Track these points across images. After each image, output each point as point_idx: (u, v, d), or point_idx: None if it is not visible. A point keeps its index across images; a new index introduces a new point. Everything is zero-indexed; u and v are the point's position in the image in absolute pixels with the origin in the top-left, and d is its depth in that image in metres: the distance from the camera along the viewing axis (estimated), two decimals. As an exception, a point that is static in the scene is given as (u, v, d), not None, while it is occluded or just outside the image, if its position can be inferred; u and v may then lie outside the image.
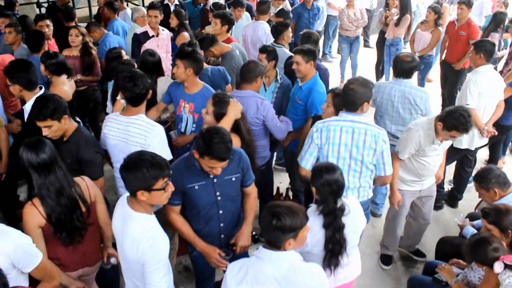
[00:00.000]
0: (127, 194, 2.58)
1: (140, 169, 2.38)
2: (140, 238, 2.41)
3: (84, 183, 2.96)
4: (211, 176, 2.95)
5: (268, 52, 4.73)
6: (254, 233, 4.23)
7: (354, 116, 3.34)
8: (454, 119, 3.54)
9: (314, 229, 2.74)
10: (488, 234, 3.04)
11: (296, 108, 4.53)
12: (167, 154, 3.43)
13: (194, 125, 4.16)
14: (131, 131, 3.39)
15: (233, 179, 3.03)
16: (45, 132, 3.15)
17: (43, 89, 3.99)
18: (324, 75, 4.93)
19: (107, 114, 5.72)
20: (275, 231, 2.26)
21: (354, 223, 2.91)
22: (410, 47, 7.72)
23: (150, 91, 3.58)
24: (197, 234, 3.08)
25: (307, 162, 3.44)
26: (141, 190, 2.40)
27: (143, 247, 2.39)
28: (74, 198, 2.84)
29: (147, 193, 2.41)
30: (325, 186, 2.77)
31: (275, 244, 2.29)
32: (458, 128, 3.55)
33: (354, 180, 3.44)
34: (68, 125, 3.25)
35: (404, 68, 4.56)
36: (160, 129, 3.46)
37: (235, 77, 5.13)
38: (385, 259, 4.50)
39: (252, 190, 3.24)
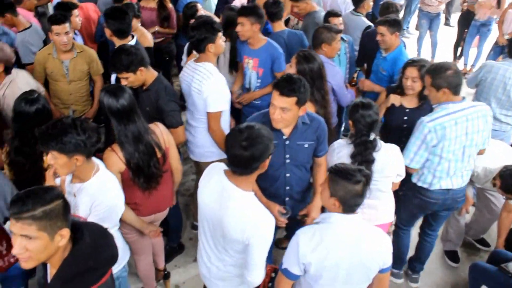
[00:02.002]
0: (223, 167, 2.49)
1: (265, 138, 2.28)
2: (247, 219, 2.31)
3: (159, 129, 3.03)
4: (284, 137, 2.93)
5: None
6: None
7: (461, 104, 3.18)
8: None
9: (342, 157, 3.06)
10: None
11: (380, 79, 4.47)
12: (221, 106, 3.45)
13: (259, 81, 4.23)
14: (195, 77, 3.45)
15: (306, 145, 2.99)
16: (123, 82, 3.22)
17: (134, 38, 4.07)
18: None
19: (181, 68, 5.84)
20: (355, 197, 2.29)
21: (383, 163, 3.06)
22: (499, 28, 7.22)
23: (219, 39, 3.49)
24: (263, 192, 3.07)
25: (417, 164, 3.26)
26: (261, 163, 2.31)
27: (251, 228, 2.30)
28: (151, 145, 2.92)
29: (262, 164, 2.33)
30: (360, 119, 3.00)
31: (355, 207, 2.33)
32: None
33: (469, 164, 3.35)
34: (145, 75, 3.31)
35: None
36: (218, 80, 3.43)
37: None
38: (452, 256, 4.31)
39: (323, 162, 3.17)
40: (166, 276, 3.80)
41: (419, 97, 3.73)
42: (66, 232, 1.76)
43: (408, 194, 3.54)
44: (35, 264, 1.78)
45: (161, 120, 3.31)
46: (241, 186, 2.35)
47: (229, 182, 2.37)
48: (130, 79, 3.22)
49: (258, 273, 2.44)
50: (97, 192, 2.46)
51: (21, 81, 3.76)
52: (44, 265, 1.96)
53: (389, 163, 3.10)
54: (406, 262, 3.99)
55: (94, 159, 2.57)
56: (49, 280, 1.96)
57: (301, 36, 4.81)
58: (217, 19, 4.26)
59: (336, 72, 4.07)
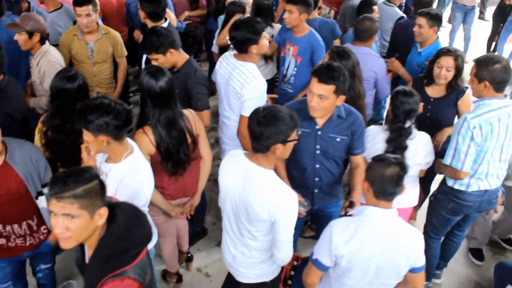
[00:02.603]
0: (242, 151, 2.54)
1: (281, 121, 2.27)
2: (271, 197, 2.33)
3: (192, 116, 3.04)
4: (317, 127, 2.90)
5: None
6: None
7: (504, 101, 3.06)
8: None
9: (378, 142, 3.18)
10: None
11: (413, 74, 4.34)
12: (255, 101, 3.34)
13: (295, 69, 4.21)
14: (234, 75, 3.37)
15: (338, 139, 2.93)
16: (153, 63, 3.23)
17: (167, 21, 4.08)
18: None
19: (209, 52, 5.85)
20: (386, 182, 2.29)
21: (415, 151, 3.17)
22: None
23: (263, 39, 3.38)
24: (293, 181, 3.04)
25: (469, 166, 3.04)
26: (279, 144, 2.31)
27: (275, 204, 2.33)
28: (183, 131, 2.92)
29: (282, 146, 2.32)
30: (399, 105, 3.10)
31: (391, 196, 2.33)
32: None
33: (505, 163, 3.24)
34: (175, 57, 3.31)
35: None
36: (261, 85, 3.33)
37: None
38: (477, 254, 4.23)
39: (361, 162, 3.07)
40: (189, 259, 3.86)
41: (447, 87, 3.65)
42: (104, 211, 1.81)
43: (441, 199, 3.39)
44: (75, 244, 1.82)
45: (188, 102, 3.33)
46: (262, 165, 2.39)
47: (250, 162, 2.42)
48: (160, 61, 3.23)
49: (287, 250, 2.47)
50: (126, 174, 2.48)
51: (54, 52, 3.83)
52: (81, 246, 2.00)
53: (420, 151, 3.17)
54: (434, 275, 3.86)
55: (129, 141, 2.59)
56: (86, 259, 2.01)
57: (333, 25, 4.77)
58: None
59: (381, 64, 4.04)
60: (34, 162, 2.66)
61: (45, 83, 3.69)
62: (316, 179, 3.07)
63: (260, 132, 2.28)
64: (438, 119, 3.64)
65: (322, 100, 2.74)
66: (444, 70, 3.54)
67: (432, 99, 3.70)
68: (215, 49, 4.98)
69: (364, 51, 4.00)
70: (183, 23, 5.30)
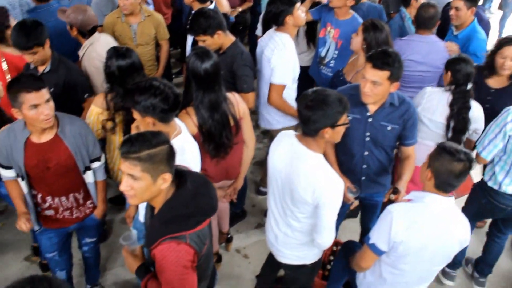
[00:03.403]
0: (293, 132, 2.53)
1: (329, 105, 2.26)
2: (317, 181, 2.33)
3: (235, 99, 3.02)
4: (368, 114, 2.85)
5: None
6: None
7: None
8: None
9: (436, 103, 3.27)
10: None
11: None
12: (285, 79, 3.41)
13: (336, 52, 4.16)
14: (268, 45, 3.46)
15: (389, 128, 2.86)
16: (200, 44, 3.24)
17: (213, 3, 4.08)
18: (485, 28, 4.46)
19: (251, 36, 5.83)
20: (450, 175, 2.25)
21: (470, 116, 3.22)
22: None
23: (297, 10, 3.44)
24: (340, 166, 3.04)
25: (488, 153, 3.06)
26: (327, 128, 2.29)
27: (320, 188, 2.32)
28: (226, 114, 2.92)
29: (331, 130, 2.30)
30: (460, 69, 3.17)
31: (451, 187, 2.29)
32: None
33: None
34: (222, 39, 3.31)
35: None
36: (290, 53, 3.40)
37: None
38: None
39: (411, 153, 3.01)
40: (229, 239, 3.90)
41: (509, 77, 3.52)
42: (168, 177, 1.87)
43: (478, 191, 3.34)
44: (138, 202, 1.94)
45: (233, 84, 3.33)
46: (311, 148, 2.38)
47: (300, 144, 2.41)
48: (207, 42, 3.23)
49: (327, 235, 2.46)
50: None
51: (98, 47, 3.71)
52: (151, 206, 2.06)
53: (473, 117, 3.22)
54: (461, 264, 3.75)
55: (177, 122, 2.60)
56: None
57: (381, 10, 4.69)
58: None
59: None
60: (83, 137, 2.72)
61: (87, 75, 3.72)
62: (364, 166, 3.02)
63: (308, 116, 2.27)
64: (499, 110, 3.52)
65: (375, 86, 2.69)
66: (509, 60, 3.39)
67: (493, 90, 3.57)
68: (259, 32, 4.95)
69: (433, 39, 3.89)
70: (232, 17, 5.30)
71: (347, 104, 2.34)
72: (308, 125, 2.30)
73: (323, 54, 4.24)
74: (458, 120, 3.19)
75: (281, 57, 3.36)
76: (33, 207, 2.82)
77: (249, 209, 4.36)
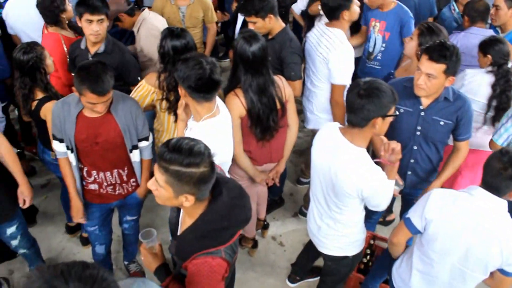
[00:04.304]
0: (337, 124, 2.48)
1: (383, 94, 2.20)
2: (358, 176, 2.29)
3: (281, 82, 3.01)
4: (421, 107, 2.78)
5: None
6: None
7: None
8: None
9: (473, 82, 3.29)
10: None
11: None
12: (346, 79, 3.33)
13: (384, 45, 4.09)
14: (322, 42, 3.35)
15: (442, 123, 2.78)
16: (250, 26, 3.22)
17: None
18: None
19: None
20: (506, 180, 2.14)
21: None
22: None
23: (354, 5, 3.34)
24: None
25: (499, 137, 3.01)
26: (379, 117, 2.23)
27: (362, 183, 2.29)
28: (273, 98, 2.91)
29: (381, 121, 2.24)
30: (499, 51, 3.23)
31: (496, 190, 2.18)
32: None
33: None
34: (273, 24, 3.28)
35: None
36: (348, 50, 3.29)
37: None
38: None
39: (464, 147, 2.92)
40: (265, 226, 3.91)
41: None
42: (191, 199, 1.77)
43: None
44: (161, 203, 1.87)
45: (281, 71, 3.30)
46: (354, 142, 2.32)
47: (343, 137, 2.36)
48: (257, 24, 3.21)
49: (384, 205, 2.45)
50: (198, 135, 2.45)
51: (153, 20, 3.86)
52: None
53: None
54: None
55: (217, 105, 2.58)
56: (180, 222, 2.05)
57: (433, 3, 4.57)
58: None
59: None
60: (134, 116, 2.74)
61: (145, 50, 3.79)
62: (412, 160, 2.95)
63: (362, 105, 2.20)
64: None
65: (430, 79, 2.61)
66: None
67: None
68: (297, 9, 4.88)
69: (489, 33, 3.75)
70: None
71: (397, 95, 2.29)
72: (359, 114, 2.23)
73: (370, 49, 4.16)
74: (501, 99, 3.22)
75: (339, 57, 3.26)
76: (79, 180, 2.88)
77: (287, 197, 4.35)
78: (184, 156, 1.70)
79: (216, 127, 2.54)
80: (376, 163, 2.35)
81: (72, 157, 2.77)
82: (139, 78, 3.43)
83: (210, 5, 4.48)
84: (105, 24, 3.23)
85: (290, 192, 4.44)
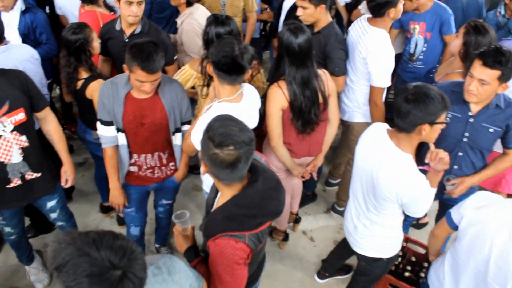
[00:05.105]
0: (385, 126, 2.44)
1: (431, 100, 2.14)
2: (401, 183, 2.25)
3: (325, 76, 2.99)
4: (470, 114, 2.69)
5: None
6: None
7: None
8: None
9: None
10: None
11: None
12: (386, 82, 3.28)
13: (425, 45, 4.03)
14: (363, 40, 3.28)
15: (491, 130, 2.69)
16: (299, 11, 3.22)
17: None
18: None
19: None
20: None
21: None
22: None
23: (400, 3, 3.22)
24: None
25: None
26: (426, 124, 2.18)
27: (404, 191, 2.25)
28: (316, 91, 2.89)
29: (429, 127, 2.19)
30: None
31: None
32: None
33: None
34: (322, 15, 3.24)
35: None
36: (388, 52, 3.20)
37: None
38: None
39: (511, 154, 2.83)
40: (297, 220, 3.90)
41: None
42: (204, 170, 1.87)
43: None
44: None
45: (324, 66, 3.27)
46: (401, 146, 2.28)
47: (390, 140, 2.32)
48: (307, 11, 3.19)
49: (423, 211, 2.39)
50: (209, 115, 2.42)
51: (199, 16, 3.81)
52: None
53: None
54: None
55: (243, 94, 2.57)
56: (215, 203, 2.07)
57: (482, 4, 4.44)
58: None
59: None
60: (179, 99, 2.77)
61: (184, 44, 3.79)
62: (455, 167, 2.87)
63: (408, 109, 2.16)
64: None
65: (482, 85, 2.53)
66: None
67: None
68: (341, 0, 4.84)
69: None
70: None
71: (448, 102, 2.22)
72: (406, 119, 2.18)
73: (412, 51, 4.10)
74: None
75: (378, 60, 3.19)
76: (127, 160, 2.91)
77: (319, 193, 4.33)
78: (211, 138, 1.74)
79: (229, 112, 2.48)
80: (420, 170, 2.31)
81: (122, 137, 2.80)
82: (174, 58, 3.48)
83: None
84: (143, 6, 3.28)
85: (323, 188, 4.42)
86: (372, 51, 3.18)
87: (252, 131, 1.82)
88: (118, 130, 2.77)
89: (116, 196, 2.98)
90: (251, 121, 2.60)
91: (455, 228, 2.33)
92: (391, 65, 3.26)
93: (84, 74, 3.10)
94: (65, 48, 3.07)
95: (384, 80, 3.27)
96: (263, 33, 5.77)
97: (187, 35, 3.76)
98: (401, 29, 4.25)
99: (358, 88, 3.45)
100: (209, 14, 3.82)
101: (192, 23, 3.72)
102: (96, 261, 1.22)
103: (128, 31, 3.39)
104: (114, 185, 2.94)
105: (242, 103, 2.54)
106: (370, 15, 3.29)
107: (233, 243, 1.83)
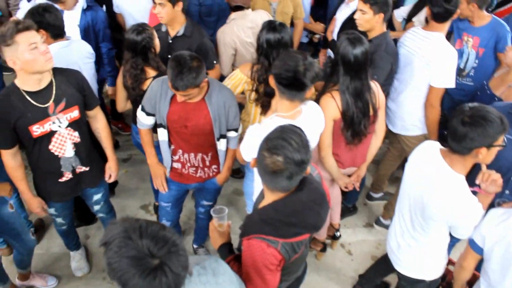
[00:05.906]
0: (438, 146, 2.35)
1: (490, 123, 2.06)
2: (452, 206, 2.18)
3: (376, 89, 2.96)
4: None
5: None
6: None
7: None
8: None
9: None
10: None
11: None
12: (448, 82, 3.22)
13: (477, 61, 3.90)
14: (424, 45, 3.25)
15: None
16: (356, 14, 3.24)
17: None
18: None
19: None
20: None
21: None
22: None
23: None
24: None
25: None
26: (483, 147, 2.10)
27: (455, 214, 2.19)
28: (368, 103, 2.86)
29: (486, 151, 2.11)
30: None
31: None
32: None
33: None
34: (378, 24, 3.23)
35: None
36: (452, 54, 3.19)
37: None
38: None
39: None
40: (335, 237, 3.71)
41: None
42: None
43: None
44: None
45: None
46: (454, 168, 2.20)
47: (443, 161, 2.24)
48: (366, 16, 3.19)
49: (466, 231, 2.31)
50: (262, 128, 2.40)
51: (241, 23, 3.72)
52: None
53: None
54: None
55: (303, 109, 2.54)
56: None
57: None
58: None
59: None
60: (227, 107, 2.77)
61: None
62: (507, 192, 2.76)
63: (465, 132, 2.08)
64: None
65: None
66: None
67: None
68: (398, 15, 4.77)
69: None
70: None
71: (507, 124, 2.13)
72: (462, 142, 2.10)
73: (462, 65, 3.98)
74: None
75: (444, 60, 3.16)
76: (170, 154, 2.97)
77: (360, 206, 4.26)
78: (269, 140, 1.79)
79: (263, 128, 2.45)
80: (472, 191, 2.23)
81: (165, 133, 2.85)
82: (214, 62, 3.50)
83: (299, 1, 4.46)
84: (167, 8, 3.27)
85: (364, 202, 4.34)
86: (438, 52, 3.17)
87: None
88: (161, 125, 2.82)
89: (156, 172, 3.05)
90: None
91: (481, 252, 2.28)
92: (454, 67, 3.25)
93: (151, 73, 3.08)
94: (130, 51, 3.03)
95: (445, 80, 3.22)
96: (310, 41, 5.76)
97: (218, 43, 3.72)
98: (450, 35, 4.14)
99: (412, 94, 3.41)
100: (248, 23, 3.76)
101: (226, 32, 3.67)
102: (137, 247, 1.28)
103: (172, 33, 3.44)
104: (152, 160, 3.03)
105: (297, 121, 2.49)
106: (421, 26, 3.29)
107: (264, 246, 1.84)
